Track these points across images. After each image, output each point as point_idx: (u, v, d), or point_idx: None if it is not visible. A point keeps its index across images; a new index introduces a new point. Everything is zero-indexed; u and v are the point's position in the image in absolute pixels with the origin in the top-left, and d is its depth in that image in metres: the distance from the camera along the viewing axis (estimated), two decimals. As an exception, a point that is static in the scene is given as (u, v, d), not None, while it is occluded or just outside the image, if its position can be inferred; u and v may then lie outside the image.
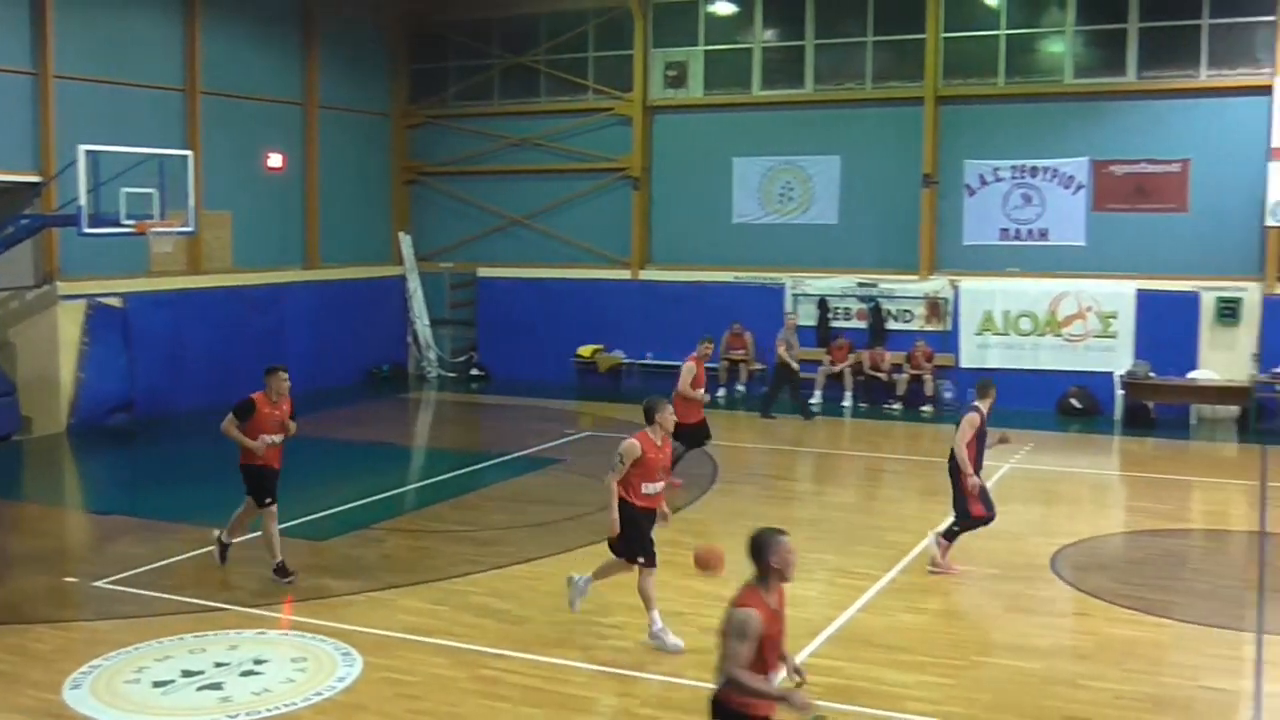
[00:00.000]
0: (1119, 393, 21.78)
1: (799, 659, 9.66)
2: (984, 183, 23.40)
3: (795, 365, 22.15)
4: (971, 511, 12.16)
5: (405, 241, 27.58)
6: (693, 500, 15.38)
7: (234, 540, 12.19)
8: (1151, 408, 21.77)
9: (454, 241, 27.58)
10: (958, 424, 12.23)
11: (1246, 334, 21.62)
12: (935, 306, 23.48)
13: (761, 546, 6.80)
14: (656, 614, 9.99)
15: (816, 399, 23.09)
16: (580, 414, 22.94)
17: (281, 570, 11.65)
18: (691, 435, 15.73)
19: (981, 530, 13.05)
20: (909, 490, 16.74)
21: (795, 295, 24.51)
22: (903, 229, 23.89)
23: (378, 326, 26.76)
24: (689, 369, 16.04)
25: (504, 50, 27.16)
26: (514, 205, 27.10)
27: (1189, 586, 12.07)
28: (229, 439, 11.66)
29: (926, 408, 22.49)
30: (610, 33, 26.14)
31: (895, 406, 22.79)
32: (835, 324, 24.21)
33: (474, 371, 26.99)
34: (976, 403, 12.31)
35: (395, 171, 27.94)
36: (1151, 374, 21.61)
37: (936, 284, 23.58)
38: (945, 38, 23.54)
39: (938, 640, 10.24)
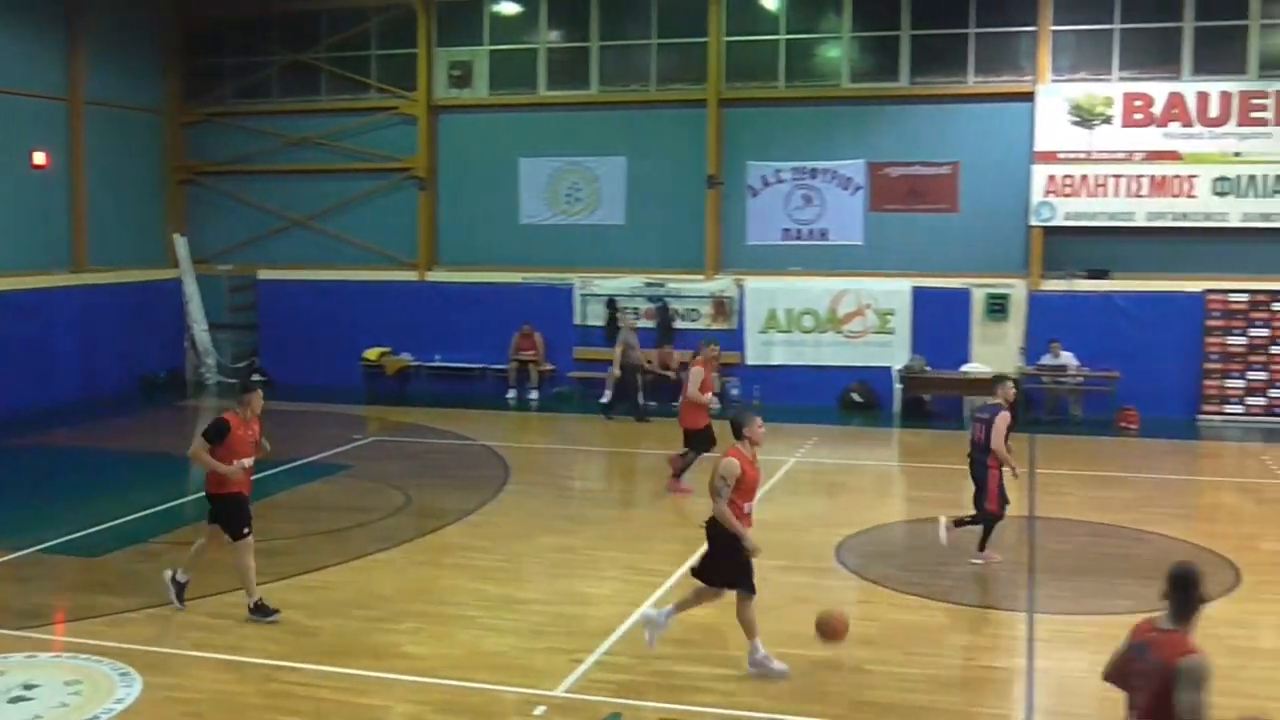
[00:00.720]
0: (897, 387, 22.55)
1: (593, 657, 9.72)
2: (766, 184, 23.91)
3: (639, 366, 22.25)
4: (989, 507, 12.57)
5: (180, 243, 26.56)
6: (484, 502, 15.24)
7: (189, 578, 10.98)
8: (928, 400, 22.62)
9: (233, 243, 26.71)
10: (987, 425, 12.52)
11: (1014, 328, 22.68)
12: (721, 305, 23.88)
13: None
14: (759, 642, 9.44)
15: (607, 399, 23.21)
16: (367, 419, 22.52)
17: (262, 609, 10.56)
18: (700, 439, 15.76)
19: (768, 523, 13.29)
20: (700, 486, 16.94)
21: (584, 296, 24.59)
22: (688, 229, 24.23)
23: (153, 332, 25.68)
24: (697, 373, 15.90)
25: (283, 47, 26.45)
26: (296, 206, 26.43)
27: (966, 571, 12.53)
28: (198, 465, 10.81)
29: (713, 405, 22.81)
30: (393, 31, 25.73)
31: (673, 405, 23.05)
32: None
33: (255, 377, 26.15)
34: (999, 401, 12.68)
35: (169, 171, 26.88)
36: (927, 368, 22.45)
37: (722, 283, 23.98)
38: (727, 41, 23.96)
39: (729, 633, 10.37)
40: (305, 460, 17.96)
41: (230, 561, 10.70)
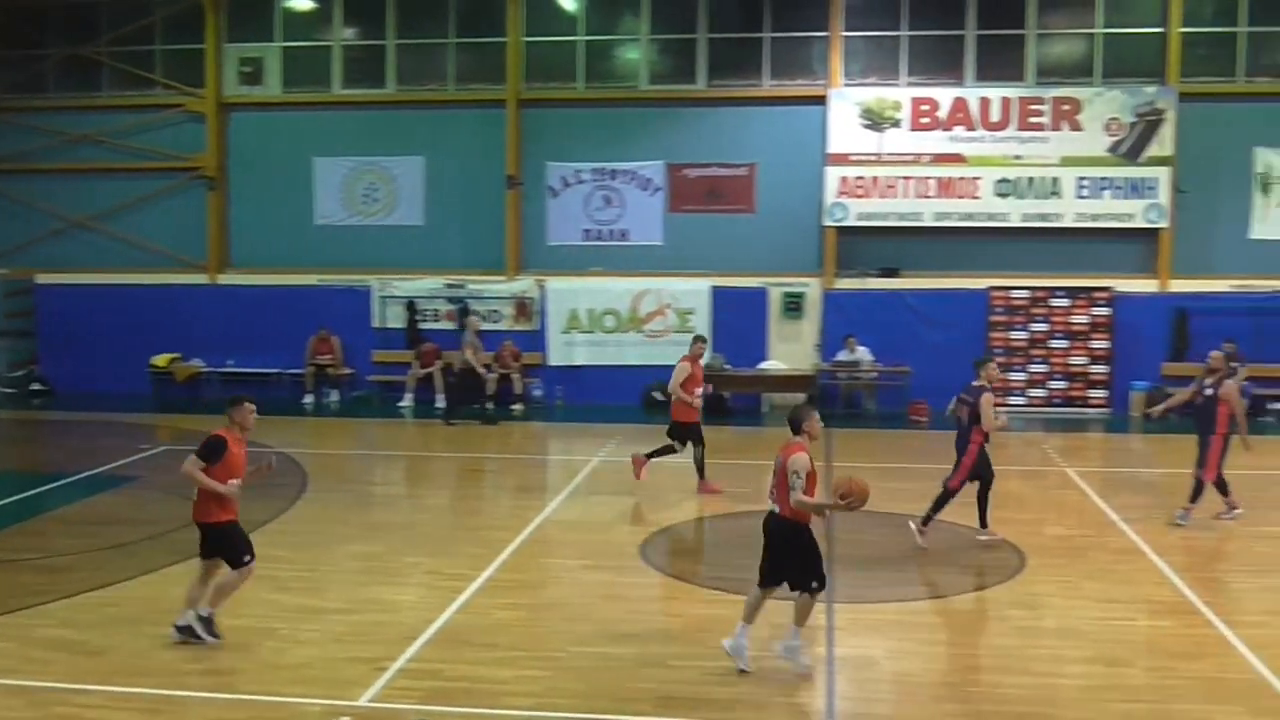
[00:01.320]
0: (698, 385, 22.82)
1: (398, 664, 9.53)
2: (566, 185, 23.93)
3: (482, 369, 21.86)
4: (950, 484, 13.24)
5: (-51, 246, 25.15)
6: (282, 511, 14.80)
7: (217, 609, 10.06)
8: (728, 397, 22.97)
9: (9, 246, 25.38)
10: (971, 406, 13.22)
11: (810, 326, 23.24)
12: (523, 306, 23.80)
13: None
14: (800, 630, 9.48)
15: (407, 402, 22.90)
16: (156, 427, 21.66)
17: (205, 624, 9.86)
18: (687, 433, 15.82)
19: (572, 523, 13.36)
20: (503, 489, 16.85)
21: (383, 298, 24.19)
22: (489, 230, 24.08)
23: (-79, 340, 24.24)
24: (683, 369, 15.79)
25: (62, 39, 25.26)
26: (76, 206, 25.28)
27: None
28: (196, 485, 9.74)
29: (517, 406, 22.73)
30: (180, 25, 24.85)
31: (488, 406, 22.88)
32: (424, 326, 24.06)
33: (34, 386, 24.96)
34: (983, 382, 13.29)
35: (-65, 169, 25.44)
36: (727, 366, 22.79)
37: (523, 284, 23.90)
38: (526, 41, 23.89)
39: (534, 634, 10.32)
40: (90, 472, 17.14)
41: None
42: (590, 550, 12.93)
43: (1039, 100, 22.66)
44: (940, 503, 13.37)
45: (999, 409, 13.49)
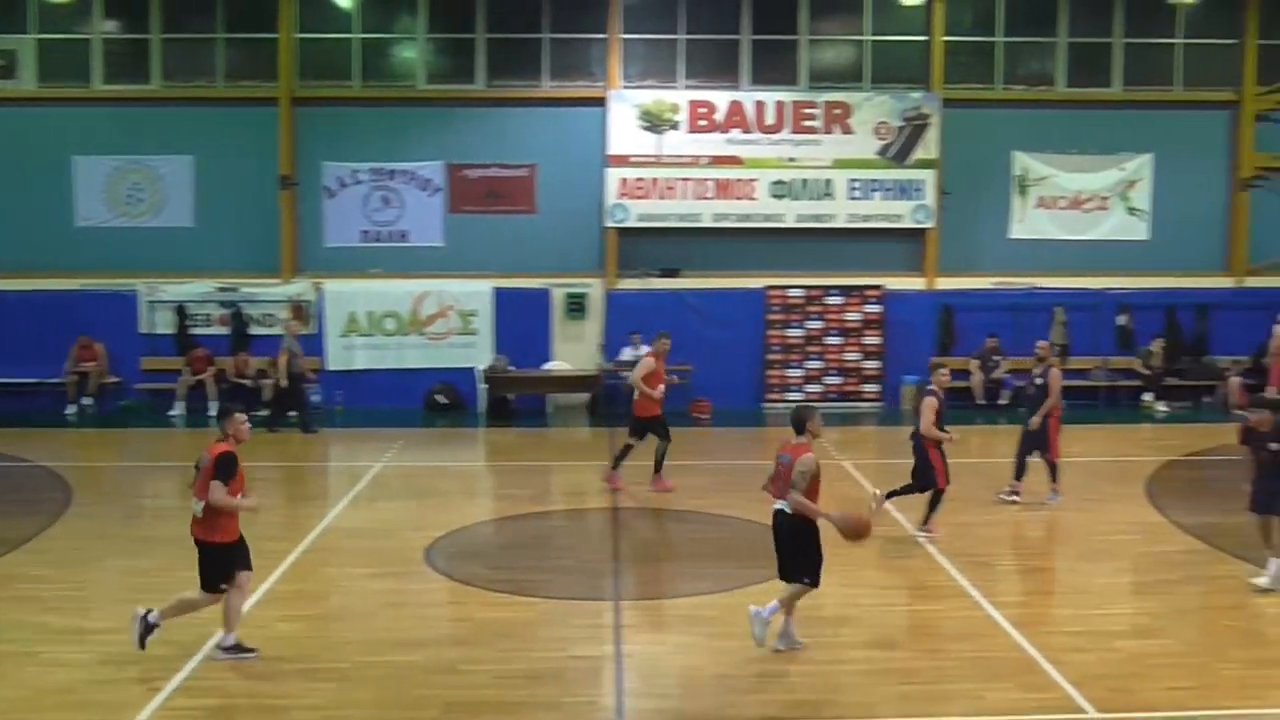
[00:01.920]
0: (481, 387, 22.65)
1: (174, 683, 9.13)
2: (343, 185, 23.44)
3: (302, 375, 20.99)
4: (938, 483, 13.47)
5: None
6: (44, 528, 14.03)
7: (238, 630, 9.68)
8: (512, 399, 22.88)
9: None
10: (917, 409, 13.64)
11: (593, 326, 23.34)
12: (300, 310, 23.17)
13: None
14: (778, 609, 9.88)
15: (178, 411, 22.05)
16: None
17: (147, 627, 9.50)
18: (651, 427, 15.97)
19: (356, 530, 13.09)
20: (282, 499, 16.35)
21: (150, 303, 23.21)
22: (263, 231, 23.39)
23: None
24: (647, 364, 15.92)
25: None
26: None
27: (555, 564, 12.72)
28: (225, 511, 9.35)
29: (292, 412, 22.08)
30: (-79, 14, 23.33)
31: (262, 414, 22.18)
32: (195, 331, 23.18)
33: None
34: (932, 385, 13.73)
35: None
36: (510, 368, 22.70)
37: (299, 287, 23.29)
38: (299, 38, 23.29)
39: (318, 645, 10.05)
40: None
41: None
42: (374, 558, 12.67)
43: (812, 104, 23.30)
44: (933, 504, 13.69)
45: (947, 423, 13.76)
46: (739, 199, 23.28)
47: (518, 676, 9.33)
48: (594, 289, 23.38)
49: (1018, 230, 24.04)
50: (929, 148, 23.40)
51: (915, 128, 23.38)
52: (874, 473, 17.16)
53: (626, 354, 22.68)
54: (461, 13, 23.40)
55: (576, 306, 23.28)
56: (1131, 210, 24.09)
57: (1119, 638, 10.43)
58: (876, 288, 23.56)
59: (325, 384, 22.92)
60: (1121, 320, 23.67)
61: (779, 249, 23.60)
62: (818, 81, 23.63)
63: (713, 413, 22.22)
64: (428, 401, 22.89)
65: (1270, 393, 22.32)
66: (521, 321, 23.19)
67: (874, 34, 23.72)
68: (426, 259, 23.47)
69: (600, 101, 23.14)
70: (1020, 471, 15.22)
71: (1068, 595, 11.78)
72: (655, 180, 23.16)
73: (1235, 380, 23.07)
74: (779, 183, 23.28)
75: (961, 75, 23.84)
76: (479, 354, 23.09)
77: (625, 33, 23.28)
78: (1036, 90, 24.05)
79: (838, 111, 23.34)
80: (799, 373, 23.48)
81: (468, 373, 22.92)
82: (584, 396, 23.09)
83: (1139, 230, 24.10)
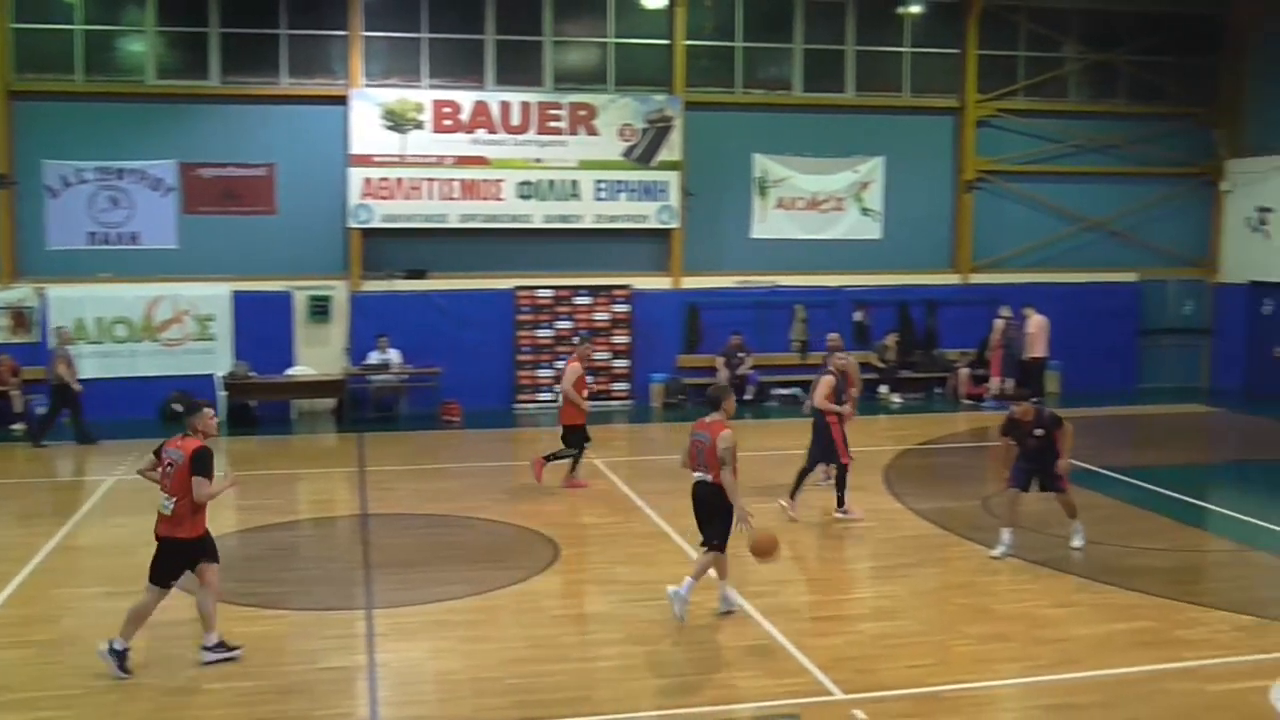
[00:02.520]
0: (221, 394, 21.80)
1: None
2: (67, 184, 22.17)
3: (77, 386, 19.38)
4: (842, 460, 14.29)
5: None
6: None
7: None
8: (254, 406, 22.13)
9: None
10: (815, 384, 14.73)
11: (337, 329, 22.79)
12: (21, 317, 21.80)
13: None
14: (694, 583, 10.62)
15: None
16: None
17: (118, 655, 9.37)
18: (578, 436, 16.03)
19: (88, 548, 12.43)
20: (5, 517, 15.35)
21: None
22: (-22, 233, 21.92)
23: None
24: (574, 370, 15.92)
25: None
26: None
27: (303, 575, 12.38)
28: (198, 506, 9.61)
29: (18, 426, 20.81)
30: None
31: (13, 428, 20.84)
32: (-97, 341, 21.55)
33: None
34: (830, 366, 14.76)
35: None
36: (252, 373, 21.95)
37: (20, 292, 21.91)
38: (15, 29, 21.90)
39: (48, 672, 9.47)
40: None
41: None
42: (110, 576, 12.03)
43: (557, 106, 23.36)
44: (840, 483, 14.49)
45: (848, 397, 14.93)
46: (486, 200, 23.14)
47: (267, 693, 9.02)
48: (338, 291, 22.83)
49: (759, 230, 24.70)
50: (673, 149, 23.78)
51: (659, 130, 23.74)
52: (625, 470, 17.34)
53: (373, 357, 22.26)
54: (192, 6, 22.46)
55: (320, 309, 22.68)
56: (865, 211, 25.09)
57: (862, 621, 10.85)
58: (624, 287, 23.81)
59: (51, 394, 21.59)
60: (858, 316, 24.61)
61: (527, 249, 23.58)
62: (563, 83, 23.71)
63: (463, 415, 22.01)
64: (163, 411, 21.85)
65: (994, 383, 23.72)
66: (262, 326, 22.42)
67: (617, 37, 23.96)
68: (159, 262, 22.43)
69: (342, 100, 22.60)
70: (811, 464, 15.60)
71: (813, 582, 12.16)
72: (400, 180, 22.78)
73: (964, 372, 24.35)
74: (525, 183, 23.25)
75: (703, 79, 24.34)
76: (218, 360, 22.21)
77: (367, 30, 22.78)
78: (775, 94, 24.76)
79: (583, 113, 23.47)
80: (549, 373, 23.51)
81: (206, 380, 21.99)
82: (330, 402, 22.51)
83: (873, 230, 25.11)
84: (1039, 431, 12.62)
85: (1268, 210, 25.26)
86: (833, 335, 17.52)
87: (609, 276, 23.83)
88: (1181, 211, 26.52)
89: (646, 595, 11.47)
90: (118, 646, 9.38)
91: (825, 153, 24.78)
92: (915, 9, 25.06)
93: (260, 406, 22.23)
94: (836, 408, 14.50)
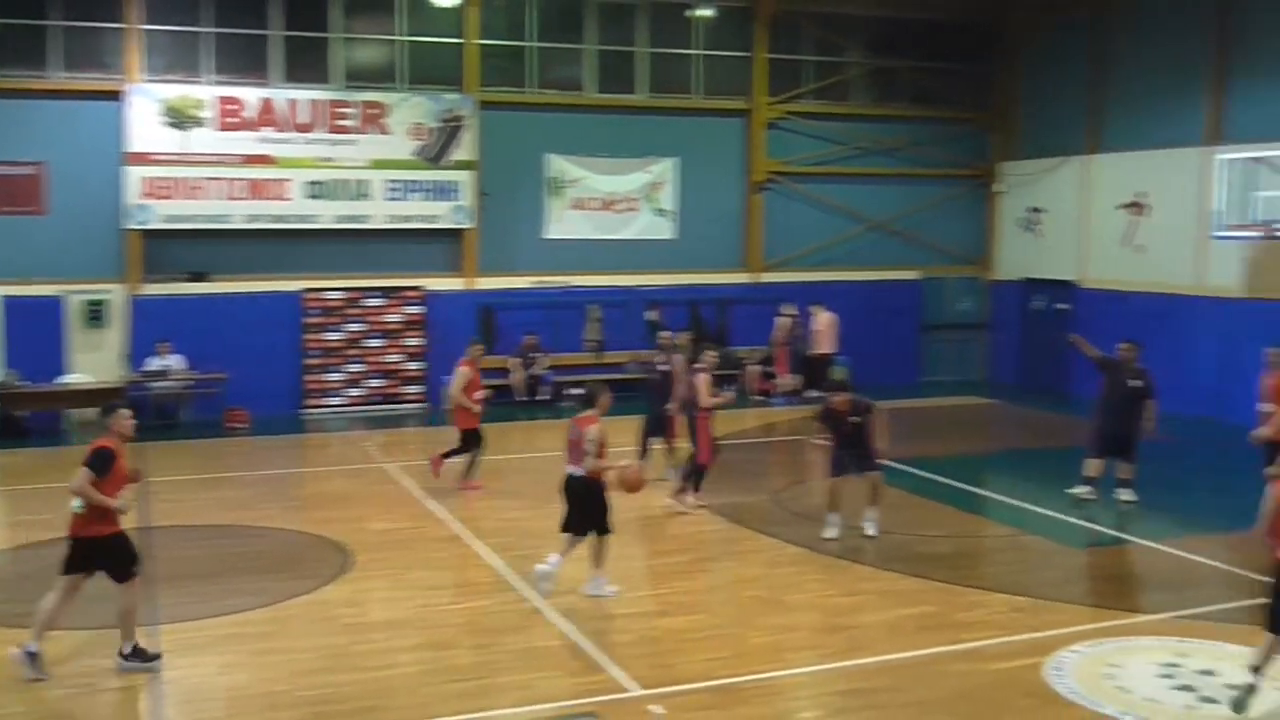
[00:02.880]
0: (-11, 404, 20.67)
1: None
2: None
3: None
4: (700, 460, 14.78)
5: None
6: None
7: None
8: (24, 417, 21.02)
9: None
10: (688, 384, 14.98)
11: (115, 334, 21.83)
12: None
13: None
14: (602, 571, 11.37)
15: None
16: None
17: (140, 653, 9.46)
18: (473, 439, 15.89)
19: None
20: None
21: None
22: None
23: None
24: (463, 374, 15.76)
25: None
26: None
27: (82, 592, 11.76)
28: (85, 500, 9.26)
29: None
30: None
31: None
32: None
33: None
34: (701, 364, 14.98)
35: None
36: (21, 382, 20.85)
37: None
38: None
39: None
40: None
41: None
42: None
43: (347, 104, 22.88)
44: (694, 476, 14.86)
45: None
46: (272, 199, 22.49)
47: (46, 718, 8.57)
48: (115, 295, 21.85)
49: (553, 230, 24.70)
50: (466, 149, 23.58)
51: (451, 129, 23.50)
52: (423, 474, 17.11)
53: (154, 364, 21.42)
54: (-48, -6, 21.24)
55: (95, 314, 21.68)
56: (658, 211, 25.35)
57: (659, 617, 10.94)
58: (417, 289, 23.49)
59: None
60: (651, 316, 24.84)
61: (316, 250, 23.03)
62: (353, 81, 23.23)
63: (250, 421, 21.37)
64: (-74, 423, 20.63)
65: (786, 380, 24.28)
66: (32, 332, 21.29)
67: (408, 34, 23.62)
68: (-82, 265, 21.16)
69: (118, 95, 21.67)
70: (644, 454, 15.92)
71: (612, 580, 12.18)
72: (181, 180, 21.96)
73: (754, 369, 24.83)
74: (314, 183, 22.70)
75: (496, 78, 24.19)
76: (-15, 368, 21.08)
77: (145, 23, 21.89)
78: (568, 95, 24.79)
79: (373, 111, 23.06)
80: (339, 377, 23.03)
81: (-27, 389, 20.84)
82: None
83: (665, 230, 25.39)
84: (855, 419, 13.30)
85: (1038, 211, 26.52)
86: (664, 335, 18.02)
87: (401, 278, 23.48)
88: (960, 212, 27.64)
89: (442, 599, 11.35)
90: (126, 651, 9.48)
91: (619, 153, 24.95)
92: (706, 12, 25.44)
93: (31, 417, 21.14)
94: (718, 401, 14.94)
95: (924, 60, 26.98)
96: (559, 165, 24.62)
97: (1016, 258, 27.18)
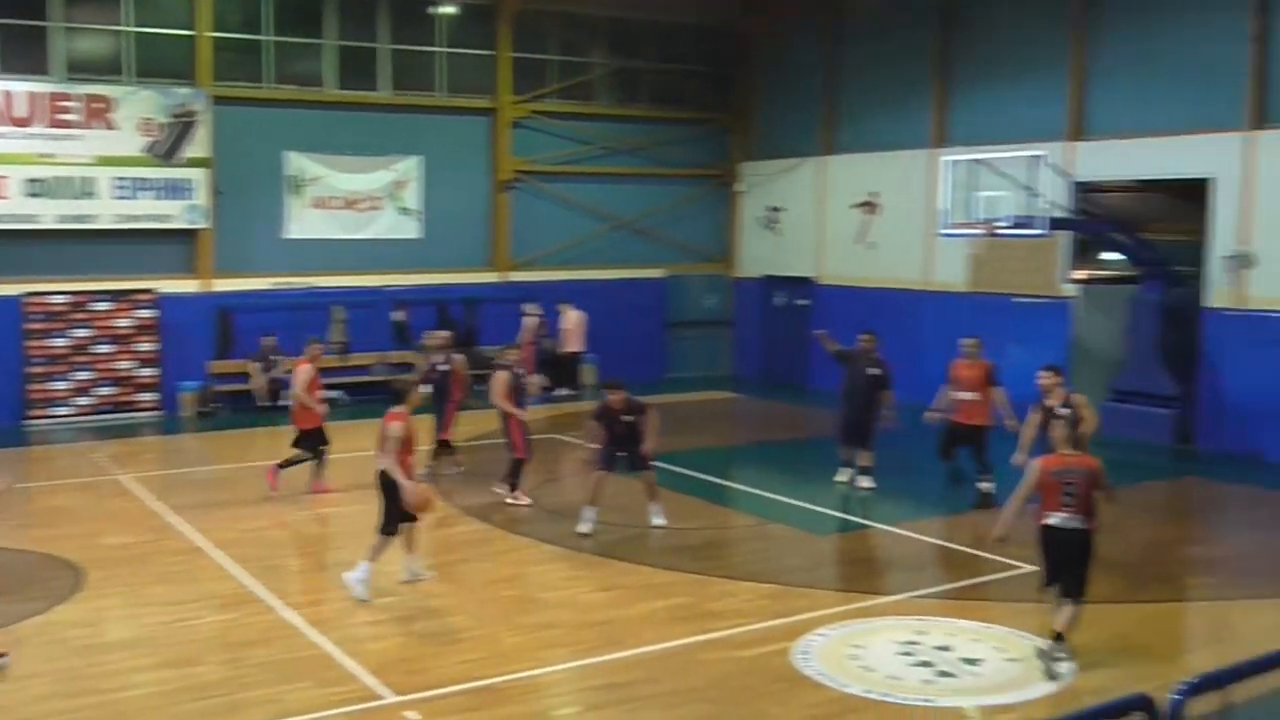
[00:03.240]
0: None
1: None
2: None
3: None
4: (517, 455, 14.97)
5: None
6: None
7: None
8: None
9: None
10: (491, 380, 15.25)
11: None
12: None
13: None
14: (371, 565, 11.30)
15: None
16: None
17: None
18: (313, 438, 15.44)
19: None
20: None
21: None
22: None
23: None
24: (304, 372, 15.34)
25: None
26: None
27: None
28: None
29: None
30: None
31: None
32: None
33: None
34: (505, 363, 15.42)
35: None
36: None
37: None
38: None
39: None
40: None
41: None
42: None
43: (69, 97, 21.62)
44: (513, 472, 15.06)
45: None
46: (-12, 198, 21.14)
47: None
48: None
49: (294, 230, 23.99)
50: (199, 146, 22.65)
51: (184, 125, 22.52)
52: (155, 485, 16.38)
53: None
54: None
55: None
56: (403, 210, 24.95)
57: (413, 621, 10.77)
58: (148, 291, 22.42)
59: None
60: (398, 316, 24.45)
61: (37, 252, 21.67)
62: (76, 73, 21.97)
63: (-32, 434, 20.01)
64: None
65: (533, 379, 24.24)
66: None
67: (136, 25, 22.51)
68: None
69: None
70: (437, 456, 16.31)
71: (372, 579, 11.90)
72: (-117, 176, 20.40)
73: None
74: (34, 180, 21.37)
75: (231, 73, 23.30)
76: None
77: None
78: (307, 91, 24.13)
79: (98, 105, 21.88)
80: (66, 385, 21.76)
81: None
82: None
83: (411, 229, 25.01)
84: (628, 418, 13.53)
85: (777, 210, 27.34)
86: (438, 334, 18.26)
87: (131, 280, 22.35)
88: (703, 211, 28.23)
89: (185, 615, 10.87)
90: None
91: (361, 151, 24.43)
92: (449, 9, 25.20)
93: None
94: (512, 409, 15.04)
95: (667, 62, 27.45)
96: (299, 163, 23.93)
97: (758, 255, 27.95)
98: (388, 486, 11.19)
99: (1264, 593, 11.69)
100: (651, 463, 13.82)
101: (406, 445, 11.20)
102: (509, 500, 15.07)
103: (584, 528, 13.50)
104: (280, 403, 22.35)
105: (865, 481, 15.92)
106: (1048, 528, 9.49)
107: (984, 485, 14.97)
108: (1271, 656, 6.07)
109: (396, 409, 11.37)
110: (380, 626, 10.60)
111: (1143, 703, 5.17)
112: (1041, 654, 9.33)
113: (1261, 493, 16.32)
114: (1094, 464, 9.56)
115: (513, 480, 15.17)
